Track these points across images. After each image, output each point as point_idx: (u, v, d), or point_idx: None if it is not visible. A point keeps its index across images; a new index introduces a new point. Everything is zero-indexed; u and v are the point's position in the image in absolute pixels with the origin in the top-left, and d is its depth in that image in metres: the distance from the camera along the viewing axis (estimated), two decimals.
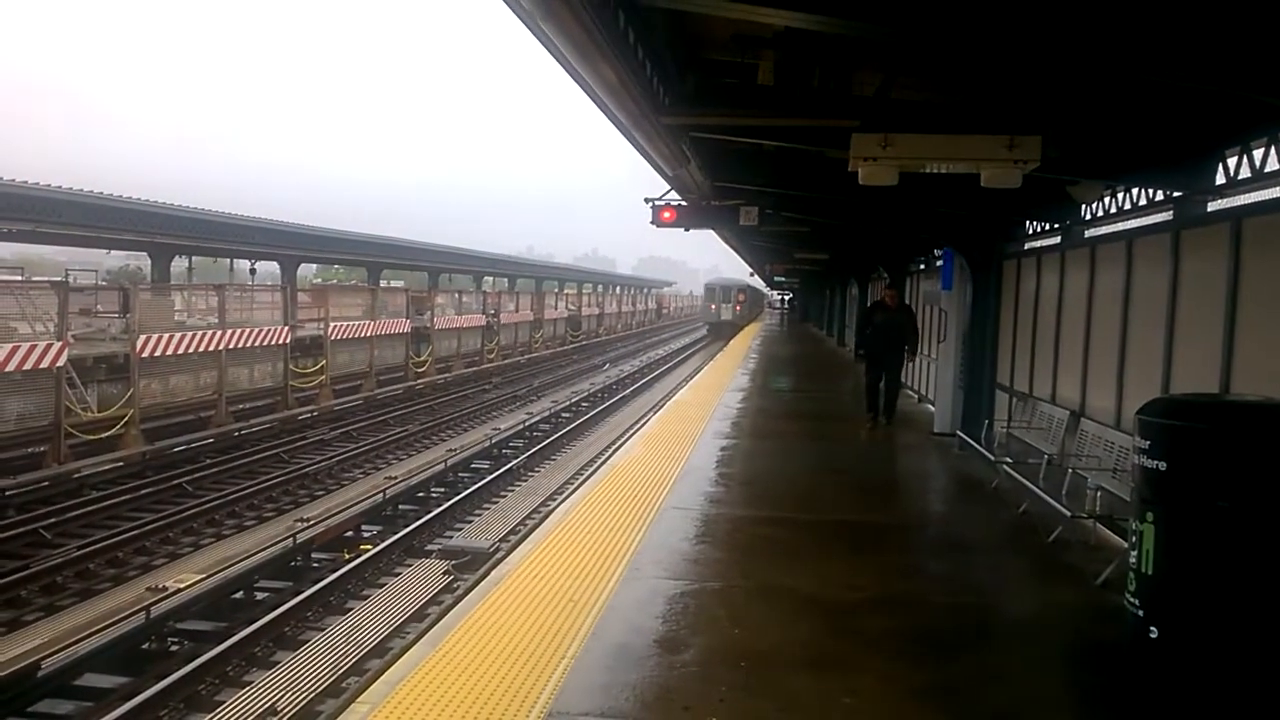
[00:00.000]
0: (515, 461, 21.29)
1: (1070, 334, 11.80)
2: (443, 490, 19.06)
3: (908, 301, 18.01)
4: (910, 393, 19.10)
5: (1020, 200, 10.85)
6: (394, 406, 29.88)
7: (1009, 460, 10.20)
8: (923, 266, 21.85)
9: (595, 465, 19.66)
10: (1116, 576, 6.78)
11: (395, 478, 18.75)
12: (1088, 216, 11.89)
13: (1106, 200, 11.30)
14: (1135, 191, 10.57)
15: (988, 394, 13.81)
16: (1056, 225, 12.89)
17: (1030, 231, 14.03)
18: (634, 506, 8.95)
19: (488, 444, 23.51)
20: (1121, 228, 10.80)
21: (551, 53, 6.77)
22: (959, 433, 13.03)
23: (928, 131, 7.68)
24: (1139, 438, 5.62)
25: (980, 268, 13.79)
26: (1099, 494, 8.10)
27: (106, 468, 18.94)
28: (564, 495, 16.80)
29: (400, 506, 17.47)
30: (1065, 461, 9.44)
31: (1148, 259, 9.74)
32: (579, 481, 17.95)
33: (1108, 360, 10.47)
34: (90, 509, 16.17)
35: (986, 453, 11.08)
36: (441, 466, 20.28)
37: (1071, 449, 9.91)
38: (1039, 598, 7.17)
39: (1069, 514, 8.03)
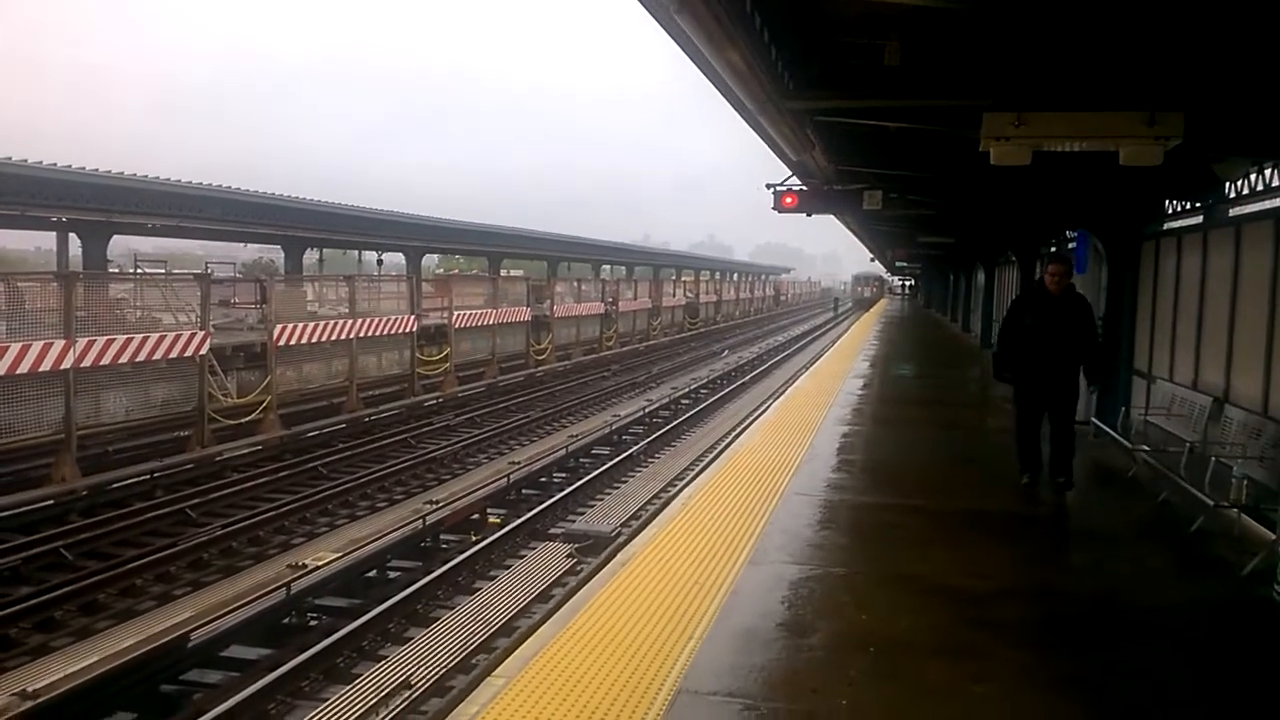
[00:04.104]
0: (636, 447, 21.44)
1: (1213, 317, 11.34)
2: (565, 475, 19.33)
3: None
4: None
5: (1160, 179, 10.45)
6: (516, 393, 30.40)
7: (1147, 448, 9.87)
8: (1054, 249, 21.23)
9: (716, 451, 19.68)
10: (1263, 568, 6.55)
11: (518, 463, 19.06)
12: (1232, 194, 11.39)
13: (1253, 177, 10.81)
14: None
15: (1124, 380, 13.36)
16: (1198, 204, 12.39)
17: (1170, 211, 13.50)
18: (757, 492, 8.95)
19: (608, 430, 23.71)
20: (1270, 205, 10.32)
21: (679, 42, 6.80)
22: (1094, 420, 12.64)
23: (1063, 109, 7.46)
24: None
25: (1117, 250, 13.32)
26: (1244, 483, 7.79)
27: (246, 451, 19.75)
28: (686, 481, 16.85)
29: (524, 491, 17.79)
30: (1208, 449, 9.08)
31: None
32: (700, 467, 18.00)
33: (1254, 344, 10.02)
34: (232, 490, 16.91)
35: (1124, 440, 10.73)
36: (563, 452, 20.55)
37: (1215, 436, 9.52)
38: (1179, 589, 6.94)
39: (1212, 503, 7.74)
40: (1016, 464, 9.63)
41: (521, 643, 6.00)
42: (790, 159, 13.29)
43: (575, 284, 45.47)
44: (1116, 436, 11.06)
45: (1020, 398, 9.55)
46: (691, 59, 7.36)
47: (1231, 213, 11.44)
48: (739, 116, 10.15)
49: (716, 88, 8.42)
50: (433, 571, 12.61)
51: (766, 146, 12.53)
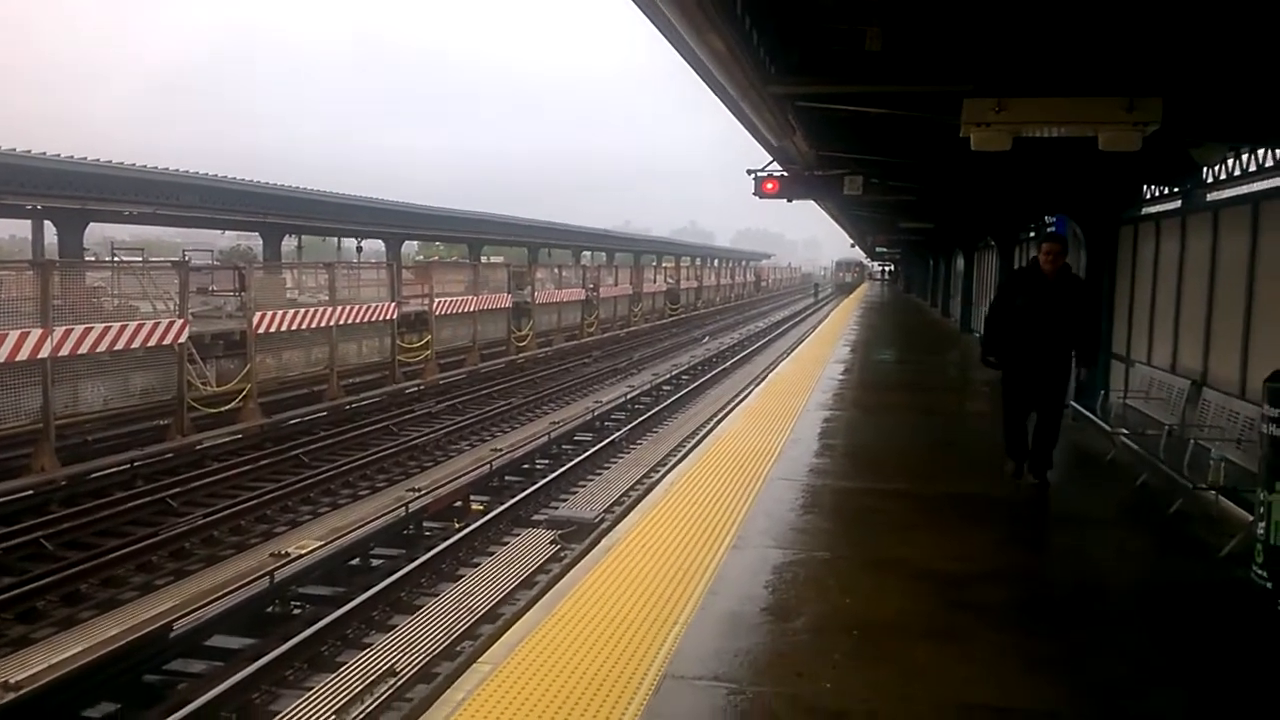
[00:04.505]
0: (618, 434, 21.47)
1: (1191, 301, 11.43)
2: (547, 462, 19.35)
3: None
4: None
5: (1138, 164, 10.53)
6: (497, 380, 30.37)
7: (1126, 431, 9.94)
8: (1033, 234, 21.33)
9: (698, 437, 19.73)
10: (1241, 549, 6.62)
11: (500, 450, 19.08)
12: (1210, 179, 11.48)
13: (1230, 162, 10.90)
14: (1261, 152, 10.17)
15: (1103, 364, 13.44)
16: (1176, 189, 12.47)
17: (1148, 196, 13.60)
18: (739, 477, 8.98)
19: (590, 416, 23.75)
20: (1247, 190, 10.41)
21: (660, 27, 6.78)
22: (1073, 403, 12.73)
23: (1043, 94, 7.49)
24: (1269, 406, 5.46)
25: (1096, 234, 13.41)
26: (1222, 465, 7.86)
27: (226, 440, 19.68)
28: (668, 467, 16.91)
29: (507, 477, 17.80)
30: (1186, 432, 9.16)
31: (1275, 221, 9.37)
32: (682, 453, 18.05)
33: (1232, 327, 10.12)
34: (213, 479, 16.84)
35: (1103, 424, 10.81)
36: (545, 439, 20.57)
37: (1193, 419, 9.61)
38: (1157, 570, 7.02)
39: (1190, 486, 7.81)
40: (1002, 447, 9.20)
41: (507, 629, 6.02)
42: (771, 144, 13.29)
43: (556, 270, 45.37)
44: (1095, 420, 11.13)
45: (1008, 384, 8.93)
46: (673, 44, 7.35)
47: (1209, 197, 11.52)
48: (720, 102, 10.15)
49: (698, 73, 8.41)
50: (416, 559, 12.61)
51: (748, 132, 12.53)
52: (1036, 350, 8.59)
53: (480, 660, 5.18)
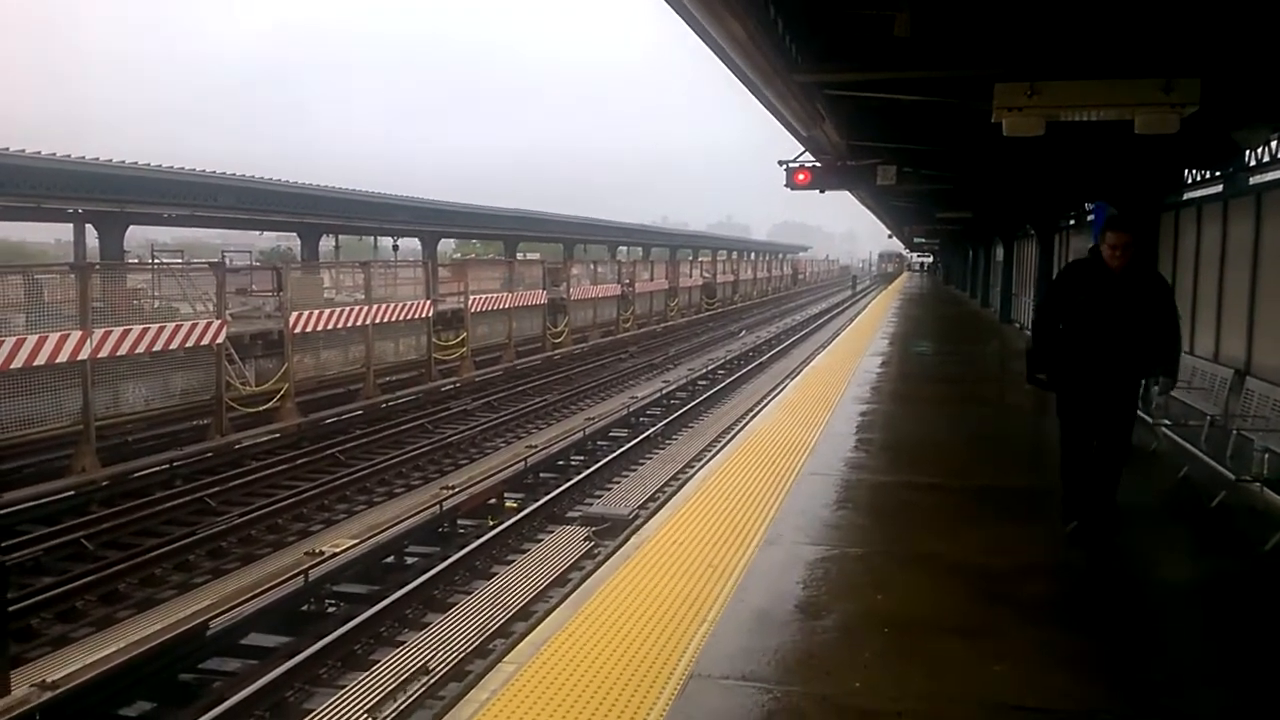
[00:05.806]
0: (653, 429, 21.40)
1: (1234, 288, 11.16)
2: (582, 458, 19.31)
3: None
4: None
5: (1178, 147, 10.28)
6: (533, 377, 30.39)
7: (1168, 422, 9.73)
8: (1072, 222, 21.01)
9: (733, 432, 19.60)
10: None
11: (536, 446, 19.05)
12: (1253, 162, 11.20)
13: (1274, 144, 10.62)
14: None
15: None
16: (1218, 173, 12.19)
17: (1189, 180, 13.30)
18: (772, 472, 8.88)
19: (625, 412, 23.67)
20: None
21: (676, 10, 6.66)
22: None
23: (1076, 77, 7.32)
24: None
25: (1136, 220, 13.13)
26: (1266, 456, 7.66)
27: (264, 439, 19.84)
28: (702, 462, 16.80)
29: (541, 474, 17.78)
30: (1229, 423, 8.95)
31: None
32: (717, 448, 17.93)
33: (1276, 315, 9.87)
34: (251, 478, 16.98)
35: (1144, 415, 10.58)
36: (580, 435, 20.53)
37: (1236, 409, 9.39)
38: (1199, 564, 6.84)
39: (1233, 477, 7.61)
40: (1054, 449, 7.55)
41: (534, 628, 5.97)
42: (801, 134, 13.15)
43: (592, 266, 45.34)
44: (1137, 411, 10.90)
45: (1066, 408, 7.20)
46: (693, 29, 7.24)
47: (1252, 181, 11.25)
48: (747, 90, 10.00)
49: (720, 59, 8.29)
50: (450, 557, 12.61)
51: (777, 121, 12.39)
52: (1103, 363, 6.93)
53: (506, 659, 5.13)
